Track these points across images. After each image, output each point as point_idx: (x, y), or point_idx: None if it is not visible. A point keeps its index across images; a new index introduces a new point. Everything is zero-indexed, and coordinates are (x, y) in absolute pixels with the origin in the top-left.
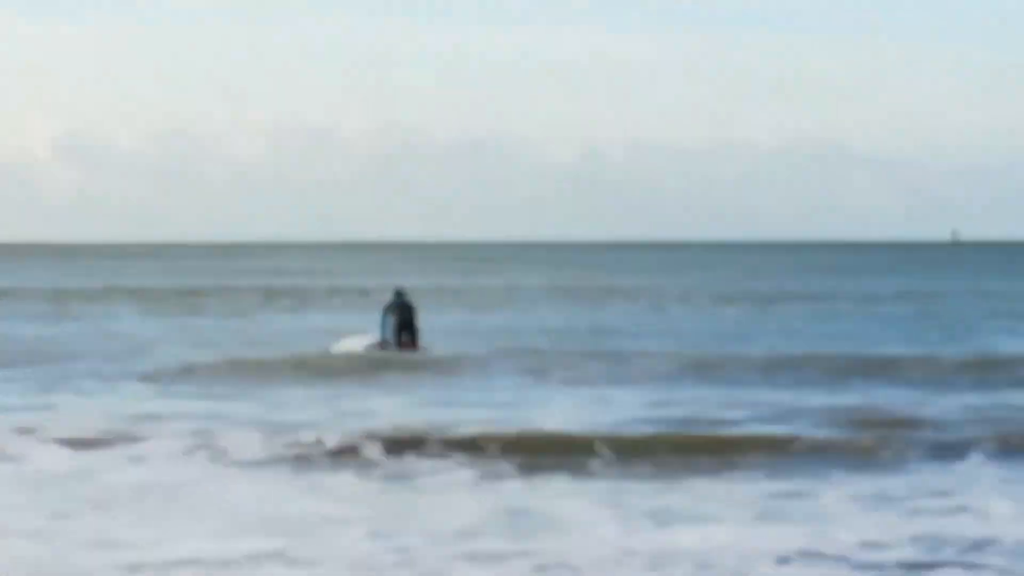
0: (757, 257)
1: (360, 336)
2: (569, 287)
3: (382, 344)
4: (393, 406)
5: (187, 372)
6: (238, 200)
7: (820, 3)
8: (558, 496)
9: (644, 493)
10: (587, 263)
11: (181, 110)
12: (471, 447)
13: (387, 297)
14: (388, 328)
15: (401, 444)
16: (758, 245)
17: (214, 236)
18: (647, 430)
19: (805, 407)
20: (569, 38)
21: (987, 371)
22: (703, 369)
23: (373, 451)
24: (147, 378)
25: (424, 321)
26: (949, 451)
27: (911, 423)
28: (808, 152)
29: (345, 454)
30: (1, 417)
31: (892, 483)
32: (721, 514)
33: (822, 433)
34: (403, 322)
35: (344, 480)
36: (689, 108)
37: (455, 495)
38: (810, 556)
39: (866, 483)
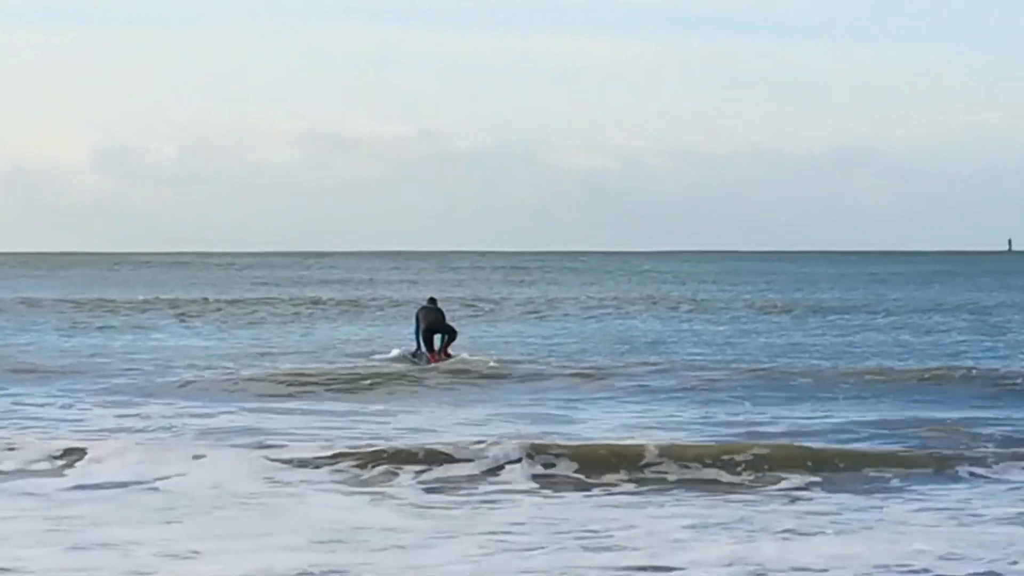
0: (800, 266)
1: (400, 347)
2: (624, 297)
3: (416, 354)
4: (452, 418)
5: (236, 383)
6: (272, 208)
7: (859, 11)
8: (616, 506)
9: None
10: (626, 271)
11: (215, 119)
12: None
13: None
14: (419, 335)
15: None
16: (799, 254)
17: (248, 246)
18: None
19: (894, 420)
20: (603, 44)
21: None
22: (774, 381)
23: (429, 462)
24: (200, 389)
25: (469, 332)
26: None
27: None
28: (850, 160)
29: (402, 465)
30: (64, 427)
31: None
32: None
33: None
34: (434, 325)
35: (409, 492)
36: (726, 116)
37: (522, 507)
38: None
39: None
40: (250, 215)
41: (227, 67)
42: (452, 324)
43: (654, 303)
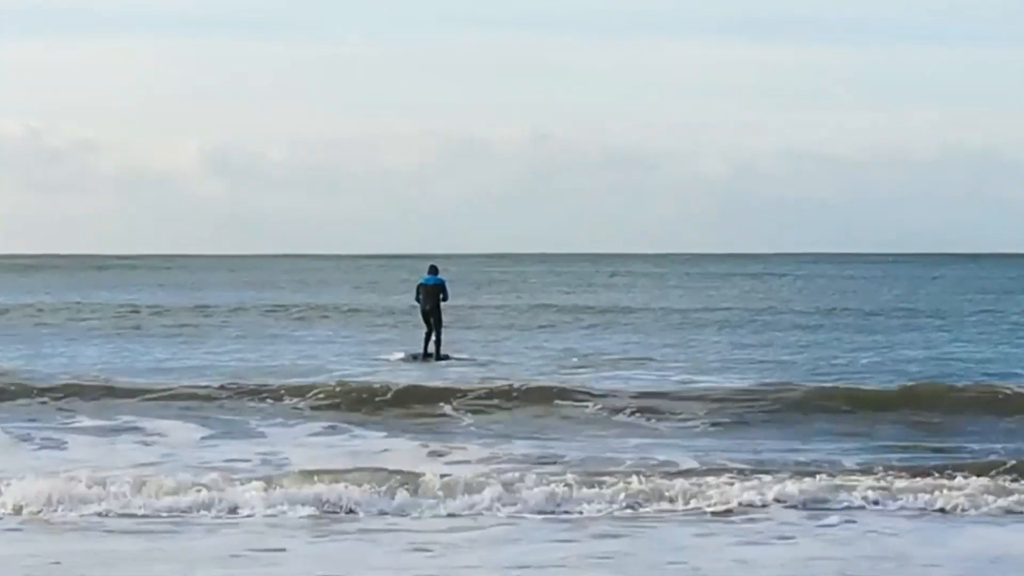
0: (921, 270)
1: (404, 348)
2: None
3: (425, 356)
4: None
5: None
6: (387, 212)
7: (973, 11)
8: None
9: None
10: (751, 275)
11: (329, 122)
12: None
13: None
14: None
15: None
16: (917, 257)
17: (363, 248)
18: None
19: None
20: (717, 49)
21: None
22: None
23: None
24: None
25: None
26: None
27: None
28: (965, 162)
29: None
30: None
31: None
32: None
33: None
34: (427, 311)
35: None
36: (842, 118)
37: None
38: None
39: None
40: (362, 219)
41: (344, 73)
42: (442, 309)
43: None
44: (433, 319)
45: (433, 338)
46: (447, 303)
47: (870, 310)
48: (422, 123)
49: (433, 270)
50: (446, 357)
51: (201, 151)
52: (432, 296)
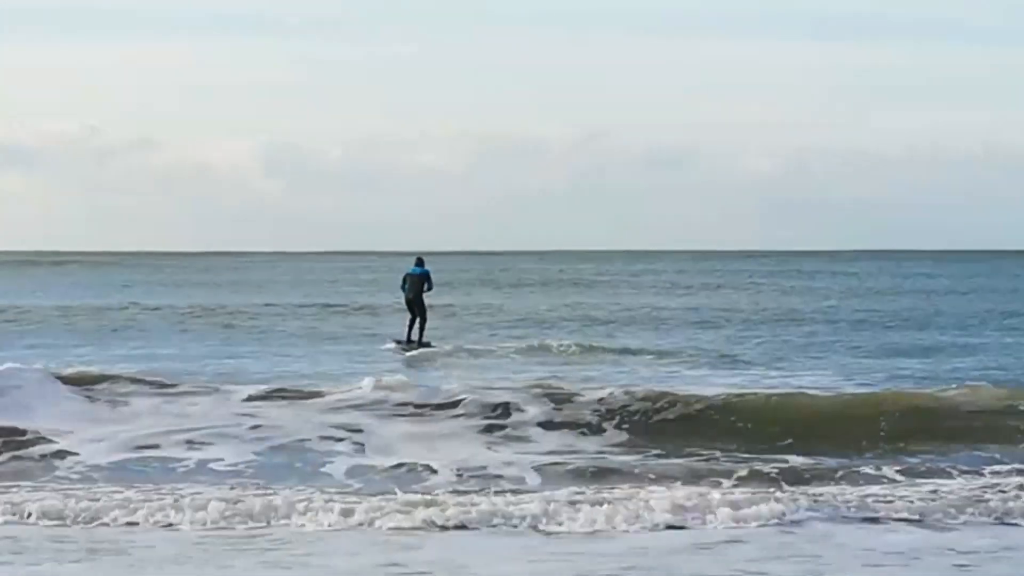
0: (985, 266)
1: (392, 339)
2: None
3: (408, 343)
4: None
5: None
6: (439, 209)
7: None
8: None
9: None
10: (808, 271)
11: (384, 120)
12: None
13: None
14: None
15: None
16: (977, 254)
17: (417, 246)
18: None
19: None
20: (769, 47)
21: None
22: None
23: None
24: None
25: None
26: None
27: None
28: (1005, 162)
29: None
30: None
31: None
32: None
33: None
34: (410, 301)
35: None
36: (888, 115)
37: None
38: None
39: None
40: (413, 215)
41: (393, 73)
42: (427, 298)
43: None
44: (417, 307)
45: (417, 325)
46: (432, 292)
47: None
48: (466, 122)
49: (419, 261)
50: (427, 344)
51: (253, 150)
52: (416, 285)
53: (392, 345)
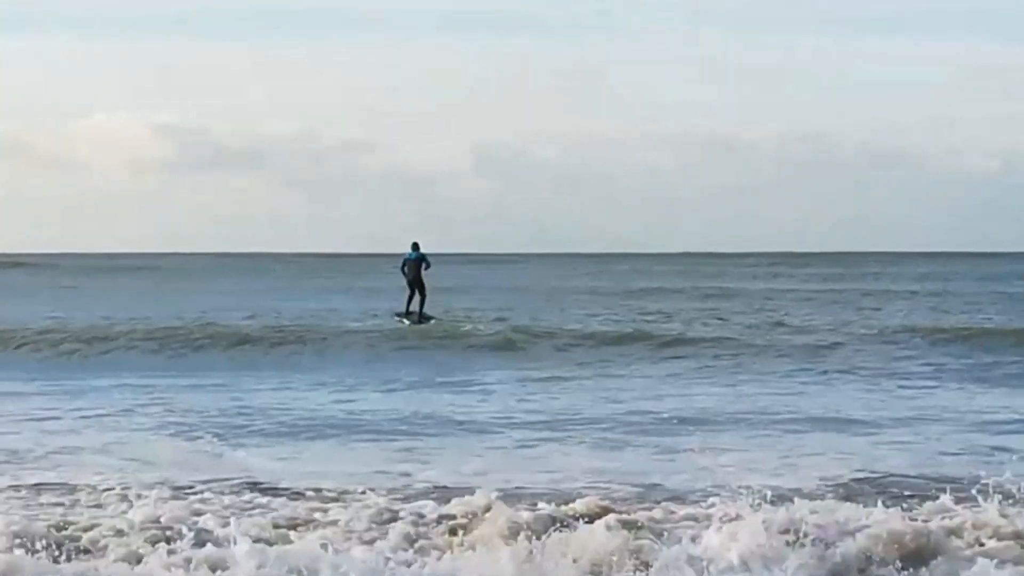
0: None
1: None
2: None
3: (407, 315)
4: None
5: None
6: (646, 210)
7: None
8: None
9: None
10: None
11: (591, 121)
12: None
13: None
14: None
15: None
16: None
17: (625, 247)
18: None
19: None
20: (975, 46)
21: None
22: None
23: None
24: None
25: None
26: None
27: None
28: None
29: None
30: None
31: None
32: None
33: None
34: (411, 282)
35: None
36: None
37: None
38: None
39: None
40: (621, 217)
41: (604, 72)
42: (425, 278)
43: None
44: (417, 286)
45: (417, 299)
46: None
47: None
48: (681, 122)
49: (415, 246)
50: (428, 318)
51: (465, 150)
52: (415, 268)
53: (395, 319)
